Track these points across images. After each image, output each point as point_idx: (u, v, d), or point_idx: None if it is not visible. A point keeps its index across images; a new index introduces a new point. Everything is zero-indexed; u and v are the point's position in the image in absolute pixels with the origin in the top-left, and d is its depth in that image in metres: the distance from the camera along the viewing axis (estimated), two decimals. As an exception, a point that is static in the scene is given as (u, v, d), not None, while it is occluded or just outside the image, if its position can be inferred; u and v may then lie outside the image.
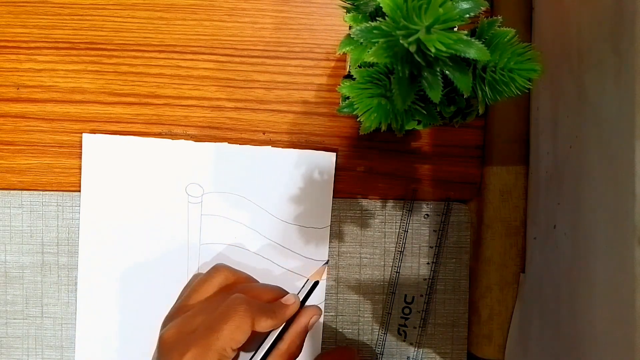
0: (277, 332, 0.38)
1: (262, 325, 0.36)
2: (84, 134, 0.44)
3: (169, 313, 0.39)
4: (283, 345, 0.37)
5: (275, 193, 0.44)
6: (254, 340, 0.38)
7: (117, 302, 0.44)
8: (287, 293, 0.39)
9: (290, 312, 0.38)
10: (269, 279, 0.44)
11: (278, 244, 0.44)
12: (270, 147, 0.44)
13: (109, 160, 0.44)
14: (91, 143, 0.44)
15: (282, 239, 0.44)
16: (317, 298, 0.44)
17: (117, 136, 0.44)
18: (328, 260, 0.44)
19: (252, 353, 0.38)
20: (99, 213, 0.44)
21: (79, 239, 0.44)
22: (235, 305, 0.36)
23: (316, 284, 0.41)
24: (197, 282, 0.40)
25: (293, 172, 0.44)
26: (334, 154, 0.44)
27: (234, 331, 0.35)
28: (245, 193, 0.44)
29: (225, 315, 0.35)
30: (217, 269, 0.41)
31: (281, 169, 0.44)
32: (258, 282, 0.43)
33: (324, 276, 0.43)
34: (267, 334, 0.38)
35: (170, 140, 0.44)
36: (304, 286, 0.41)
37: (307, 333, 0.39)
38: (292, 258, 0.44)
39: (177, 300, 0.41)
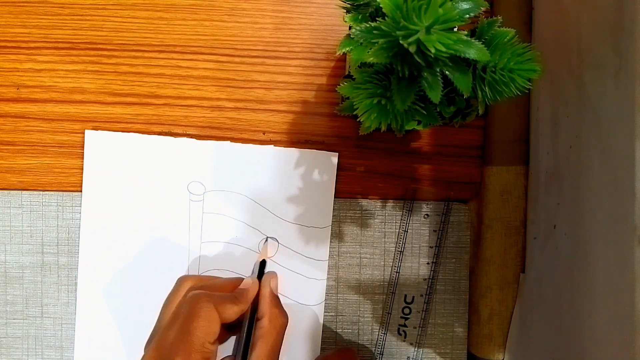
0: (247, 322, 0.39)
1: (229, 312, 0.37)
2: (86, 131, 0.44)
3: (149, 338, 0.40)
4: (264, 321, 0.39)
5: (277, 192, 0.44)
6: (231, 332, 0.40)
7: (116, 302, 0.44)
8: (243, 279, 0.41)
9: (251, 293, 0.40)
10: (269, 279, 0.44)
11: (279, 243, 0.44)
12: (272, 146, 0.44)
13: (111, 157, 0.44)
14: (93, 139, 0.44)
15: (283, 238, 0.44)
16: (317, 298, 0.44)
17: (120, 133, 0.44)
18: (267, 238, 0.44)
19: (236, 344, 0.39)
20: (100, 210, 0.44)
21: (79, 236, 0.44)
22: (196, 301, 0.37)
23: (264, 262, 0.43)
24: (166, 299, 0.41)
25: (295, 172, 0.44)
26: (337, 154, 0.44)
27: (205, 325, 0.36)
28: (247, 192, 0.44)
29: (191, 315, 0.36)
30: (180, 280, 0.42)
31: (283, 168, 0.44)
32: (222, 279, 0.43)
33: (270, 253, 0.44)
34: (241, 324, 0.39)
35: (172, 137, 0.44)
36: (253, 269, 0.43)
37: (278, 298, 0.41)
38: (292, 257, 0.44)
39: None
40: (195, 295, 0.37)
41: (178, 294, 0.40)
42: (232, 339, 0.43)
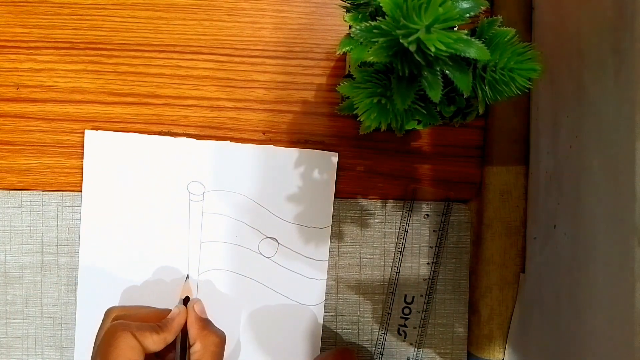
0: (179, 351, 0.39)
1: (150, 340, 0.36)
2: (86, 131, 0.44)
3: None
4: (196, 346, 0.38)
5: (276, 192, 0.44)
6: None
7: (116, 302, 0.44)
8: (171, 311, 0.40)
9: (177, 323, 0.39)
10: (270, 279, 0.44)
11: (279, 244, 0.44)
12: (272, 146, 0.44)
13: (111, 157, 0.44)
14: (93, 139, 0.44)
15: (283, 238, 0.44)
16: (317, 298, 0.44)
17: (119, 133, 0.44)
18: (188, 275, 0.44)
19: None
20: (100, 210, 0.44)
21: (79, 235, 0.44)
22: (113, 331, 0.36)
23: (187, 299, 0.43)
24: (97, 333, 0.40)
25: (295, 172, 0.44)
26: (336, 154, 0.44)
27: (124, 355, 0.35)
28: (247, 192, 0.44)
29: (109, 345, 0.35)
30: (107, 312, 0.41)
31: (283, 168, 0.44)
32: (150, 308, 0.43)
33: (193, 291, 0.44)
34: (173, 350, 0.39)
35: (172, 137, 0.44)
36: (177, 305, 0.42)
37: (206, 320, 0.41)
38: (292, 257, 0.44)
39: None
40: (112, 326, 0.36)
41: (105, 325, 0.39)
42: None
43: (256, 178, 0.44)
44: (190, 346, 0.39)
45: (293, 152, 0.44)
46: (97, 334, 0.39)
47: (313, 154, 0.44)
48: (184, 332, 0.40)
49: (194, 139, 0.44)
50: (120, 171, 0.44)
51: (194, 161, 0.44)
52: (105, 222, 0.44)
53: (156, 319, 0.39)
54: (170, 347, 0.39)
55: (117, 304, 0.44)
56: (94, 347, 0.38)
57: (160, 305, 0.43)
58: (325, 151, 0.44)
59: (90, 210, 0.44)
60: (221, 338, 0.39)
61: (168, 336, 0.38)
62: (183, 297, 0.43)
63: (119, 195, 0.44)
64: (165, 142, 0.44)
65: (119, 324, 0.37)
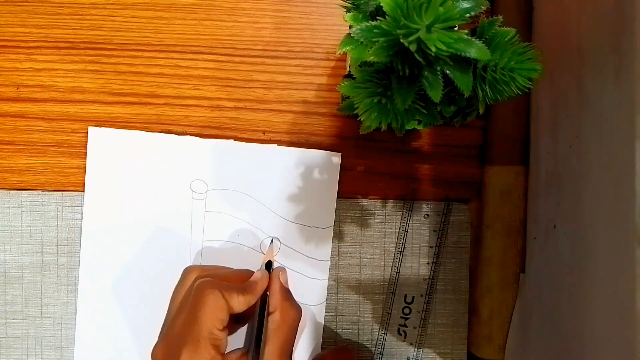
0: (258, 316, 0.39)
1: (236, 301, 0.36)
2: (89, 127, 0.44)
3: (159, 333, 0.39)
4: (276, 315, 0.38)
5: (279, 192, 0.44)
6: (240, 324, 0.40)
7: (117, 301, 0.44)
8: (251, 272, 0.40)
9: (260, 286, 0.39)
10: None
11: (281, 243, 0.44)
12: (276, 145, 0.44)
13: (114, 154, 0.44)
14: (97, 136, 0.44)
15: (285, 238, 0.44)
16: (318, 298, 0.44)
17: (123, 130, 0.44)
18: (272, 239, 0.44)
19: (247, 338, 0.38)
20: (102, 208, 0.44)
21: (81, 233, 0.44)
22: (202, 288, 0.36)
23: (269, 263, 0.42)
24: (173, 291, 0.40)
25: (298, 172, 0.44)
26: (339, 154, 0.44)
27: (213, 312, 0.35)
28: (250, 191, 0.44)
29: (198, 302, 0.35)
30: (186, 271, 0.41)
31: (286, 167, 0.44)
32: (229, 269, 0.43)
33: (276, 253, 0.44)
34: (250, 317, 0.39)
35: (176, 135, 0.44)
36: (260, 269, 0.42)
37: (288, 291, 0.41)
38: (294, 257, 0.44)
39: None
40: (202, 283, 0.36)
41: (184, 284, 0.40)
42: (242, 331, 0.43)
43: (259, 177, 0.44)
44: (269, 313, 0.38)
45: (296, 152, 0.44)
46: (175, 291, 0.39)
47: (316, 154, 0.44)
48: (264, 297, 0.39)
49: (197, 137, 0.44)
50: (123, 168, 0.44)
51: (197, 159, 0.44)
52: (107, 220, 0.44)
53: (236, 279, 0.39)
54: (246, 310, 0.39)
55: (117, 304, 0.44)
56: (170, 305, 0.39)
57: (161, 303, 0.43)
58: (328, 151, 0.44)
59: (92, 208, 0.44)
60: (300, 313, 0.39)
61: (251, 299, 0.38)
62: (266, 262, 0.42)
63: (121, 193, 0.44)
64: (168, 139, 0.44)
65: (209, 281, 0.36)
